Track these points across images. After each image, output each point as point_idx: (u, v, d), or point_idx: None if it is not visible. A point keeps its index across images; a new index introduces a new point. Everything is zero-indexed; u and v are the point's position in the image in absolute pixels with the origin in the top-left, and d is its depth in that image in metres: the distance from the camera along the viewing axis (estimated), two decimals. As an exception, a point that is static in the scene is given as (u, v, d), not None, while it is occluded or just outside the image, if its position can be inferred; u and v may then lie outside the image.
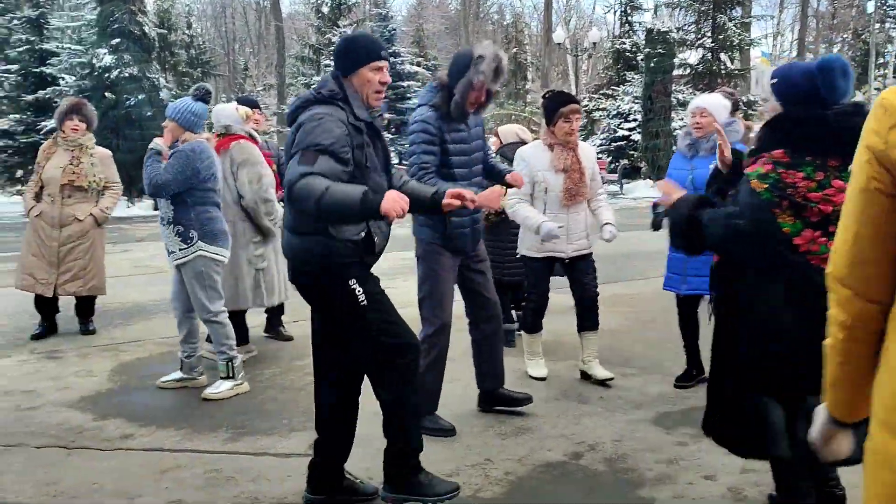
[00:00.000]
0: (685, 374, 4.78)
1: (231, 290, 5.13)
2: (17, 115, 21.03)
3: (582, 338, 4.85)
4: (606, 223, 4.74)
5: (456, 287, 4.16)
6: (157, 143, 4.66)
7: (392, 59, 26.61)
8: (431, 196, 3.16)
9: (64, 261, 5.93)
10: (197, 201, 4.59)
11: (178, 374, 4.83)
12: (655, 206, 4.03)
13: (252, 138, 5.34)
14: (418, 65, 30.56)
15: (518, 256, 4.97)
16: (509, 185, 4.04)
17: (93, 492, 3.37)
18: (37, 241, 5.98)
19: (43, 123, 19.96)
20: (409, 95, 27.51)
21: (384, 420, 3.12)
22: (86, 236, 5.99)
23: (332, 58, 3.17)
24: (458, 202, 3.07)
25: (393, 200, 2.74)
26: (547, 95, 4.82)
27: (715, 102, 4.55)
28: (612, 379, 4.77)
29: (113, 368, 5.29)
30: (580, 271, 4.76)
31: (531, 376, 4.89)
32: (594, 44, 32.71)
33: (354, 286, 2.98)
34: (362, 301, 2.99)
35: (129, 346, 5.87)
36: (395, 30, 29.44)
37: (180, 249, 4.59)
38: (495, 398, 4.33)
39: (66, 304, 6.34)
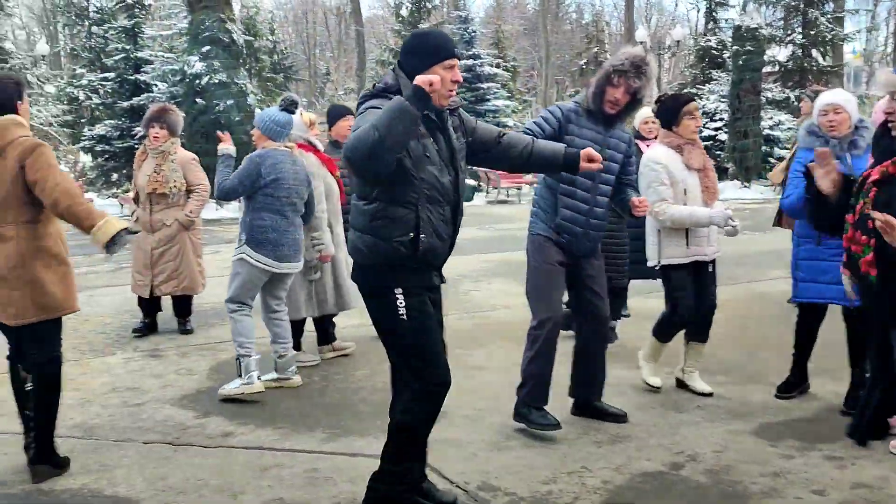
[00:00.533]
0: (787, 384, 4.60)
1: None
2: (114, 121, 21.95)
3: (688, 347, 4.70)
4: None
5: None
6: (222, 148, 4.87)
7: (472, 62, 26.73)
8: (564, 151, 3.32)
9: (157, 264, 6.19)
10: (257, 206, 4.70)
11: (272, 375, 4.93)
12: (808, 170, 3.86)
13: (312, 146, 5.31)
14: (497, 66, 30.39)
15: (656, 268, 4.65)
16: (634, 216, 3.99)
17: (199, 487, 3.48)
18: (137, 245, 6.27)
19: (137, 129, 20.77)
20: (488, 97, 27.40)
21: (387, 439, 3.11)
22: (174, 240, 6.21)
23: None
24: (595, 164, 3.27)
25: (421, 77, 2.71)
26: (662, 98, 4.72)
27: (850, 99, 4.31)
28: (711, 395, 4.61)
29: (211, 367, 5.45)
30: (710, 277, 4.61)
31: (648, 384, 4.71)
32: (678, 42, 31.98)
33: (399, 296, 2.93)
34: (401, 314, 2.93)
35: (224, 345, 6.02)
36: (475, 31, 29.33)
37: (235, 248, 4.79)
38: (590, 409, 4.27)
39: (166, 304, 6.58)
